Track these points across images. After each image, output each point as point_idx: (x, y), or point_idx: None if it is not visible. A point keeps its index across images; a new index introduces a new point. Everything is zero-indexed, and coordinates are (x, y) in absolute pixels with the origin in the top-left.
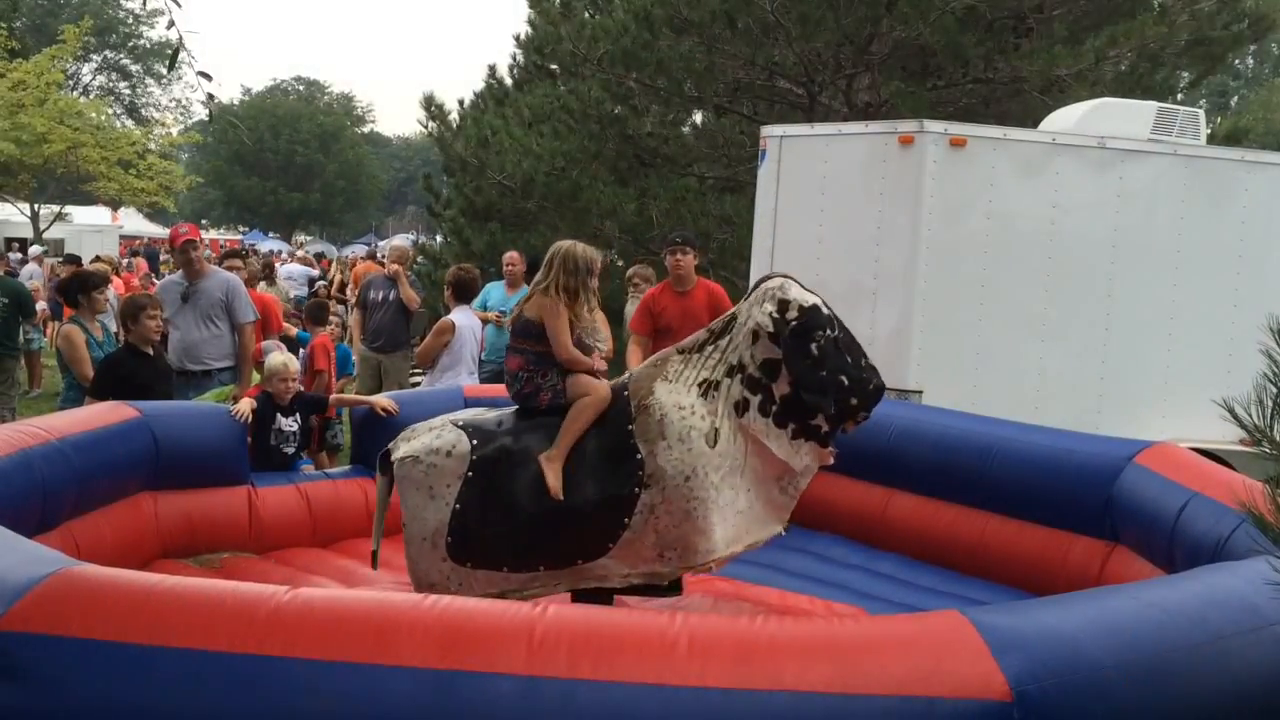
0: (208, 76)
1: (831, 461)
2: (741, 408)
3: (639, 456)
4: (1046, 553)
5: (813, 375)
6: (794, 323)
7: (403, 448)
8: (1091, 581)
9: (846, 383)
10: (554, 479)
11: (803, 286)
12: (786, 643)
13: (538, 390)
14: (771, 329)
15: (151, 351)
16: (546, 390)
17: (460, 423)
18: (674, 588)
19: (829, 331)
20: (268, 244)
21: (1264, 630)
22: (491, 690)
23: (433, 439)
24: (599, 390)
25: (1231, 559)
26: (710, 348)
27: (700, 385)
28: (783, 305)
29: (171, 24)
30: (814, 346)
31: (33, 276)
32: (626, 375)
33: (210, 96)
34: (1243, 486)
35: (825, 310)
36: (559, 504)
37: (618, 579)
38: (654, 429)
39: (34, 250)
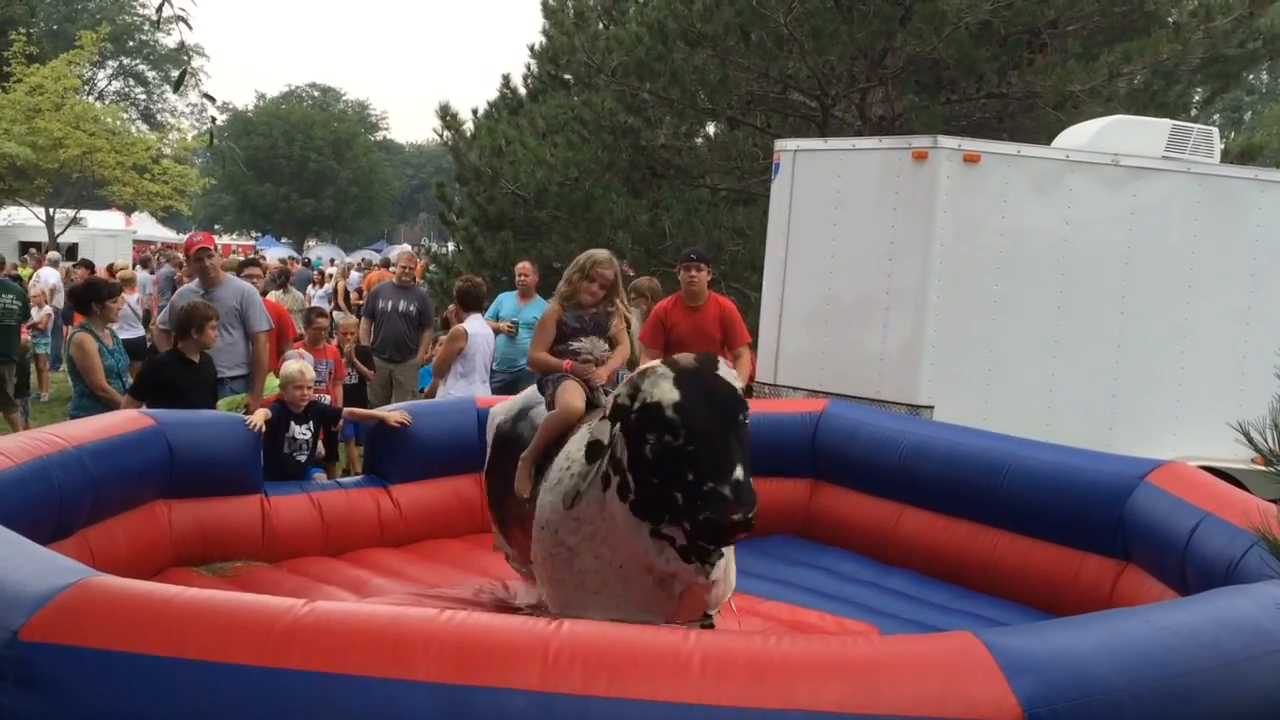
0: (211, 99)
1: (704, 582)
2: (605, 482)
3: (542, 485)
4: (1058, 571)
5: (647, 477)
6: (634, 412)
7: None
8: (1102, 600)
9: (679, 501)
10: (519, 478)
11: (683, 378)
12: (800, 662)
13: (548, 396)
14: (608, 413)
15: (198, 360)
16: (548, 399)
17: (523, 399)
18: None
19: (669, 439)
20: (277, 250)
21: (1276, 654)
22: (506, 706)
23: (499, 406)
24: (568, 406)
25: (1244, 581)
26: None
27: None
28: (634, 390)
29: (182, 45)
30: (647, 449)
31: (45, 280)
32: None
33: (213, 120)
34: (1256, 508)
35: (671, 415)
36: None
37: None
38: (550, 466)
39: (51, 255)
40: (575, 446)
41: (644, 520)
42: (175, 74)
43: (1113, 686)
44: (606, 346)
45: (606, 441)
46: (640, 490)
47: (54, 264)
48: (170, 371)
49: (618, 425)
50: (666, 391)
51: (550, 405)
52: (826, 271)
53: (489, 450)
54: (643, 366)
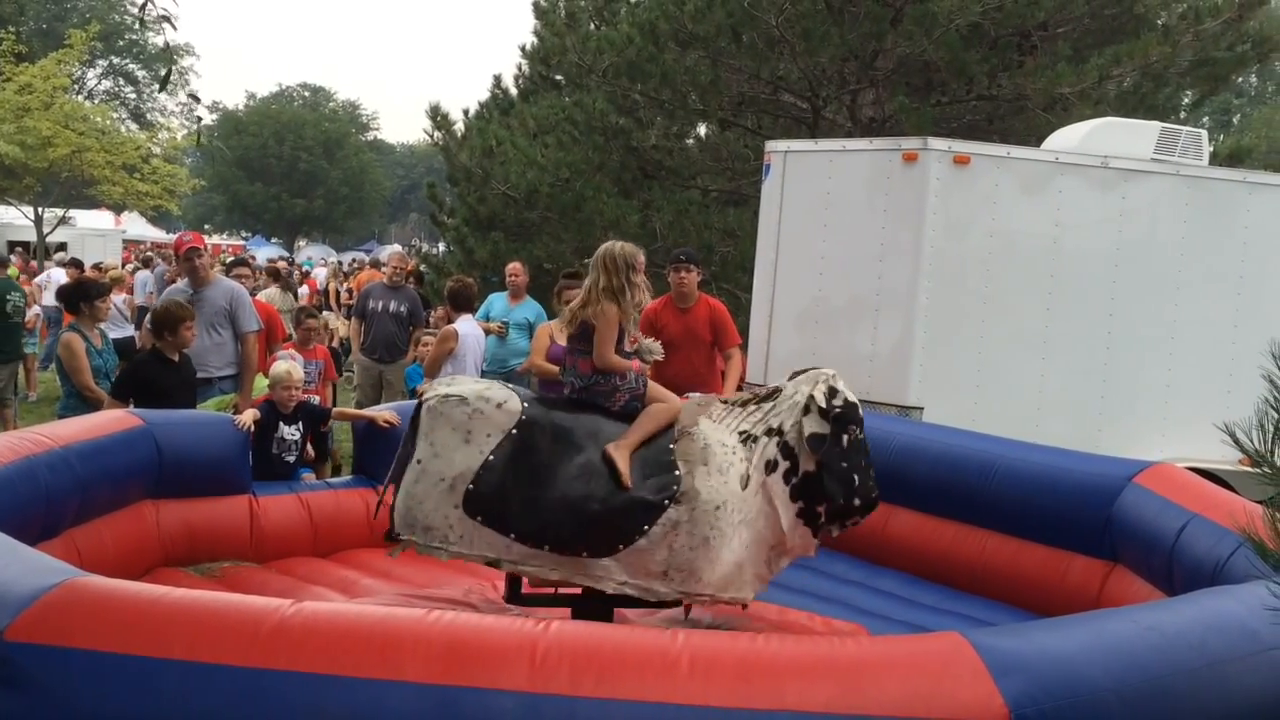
0: (197, 99)
1: (813, 554)
2: (770, 467)
3: (677, 473)
4: (1046, 571)
5: (838, 463)
6: (838, 410)
7: (443, 388)
8: (1090, 601)
9: (856, 483)
10: (625, 466)
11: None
12: (788, 662)
13: (614, 390)
14: (823, 405)
15: (177, 359)
16: (624, 391)
17: (510, 386)
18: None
19: (858, 432)
20: (268, 250)
21: (1262, 655)
22: (494, 706)
23: (483, 388)
24: (676, 401)
25: (1230, 582)
26: (753, 406)
27: (740, 434)
28: (832, 391)
29: (167, 45)
30: (845, 438)
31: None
32: None
33: (199, 120)
34: (1242, 510)
35: (862, 413)
36: (588, 491)
37: (613, 584)
38: (696, 453)
39: (59, 257)
40: (723, 435)
41: (798, 501)
42: (164, 73)
43: (1100, 687)
44: (659, 344)
45: (824, 434)
46: (825, 474)
47: (62, 265)
48: (149, 370)
49: (818, 416)
50: (851, 392)
51: (636, 403)
52: (817, 273)
53: (502, 439)
54: (814, 371)
